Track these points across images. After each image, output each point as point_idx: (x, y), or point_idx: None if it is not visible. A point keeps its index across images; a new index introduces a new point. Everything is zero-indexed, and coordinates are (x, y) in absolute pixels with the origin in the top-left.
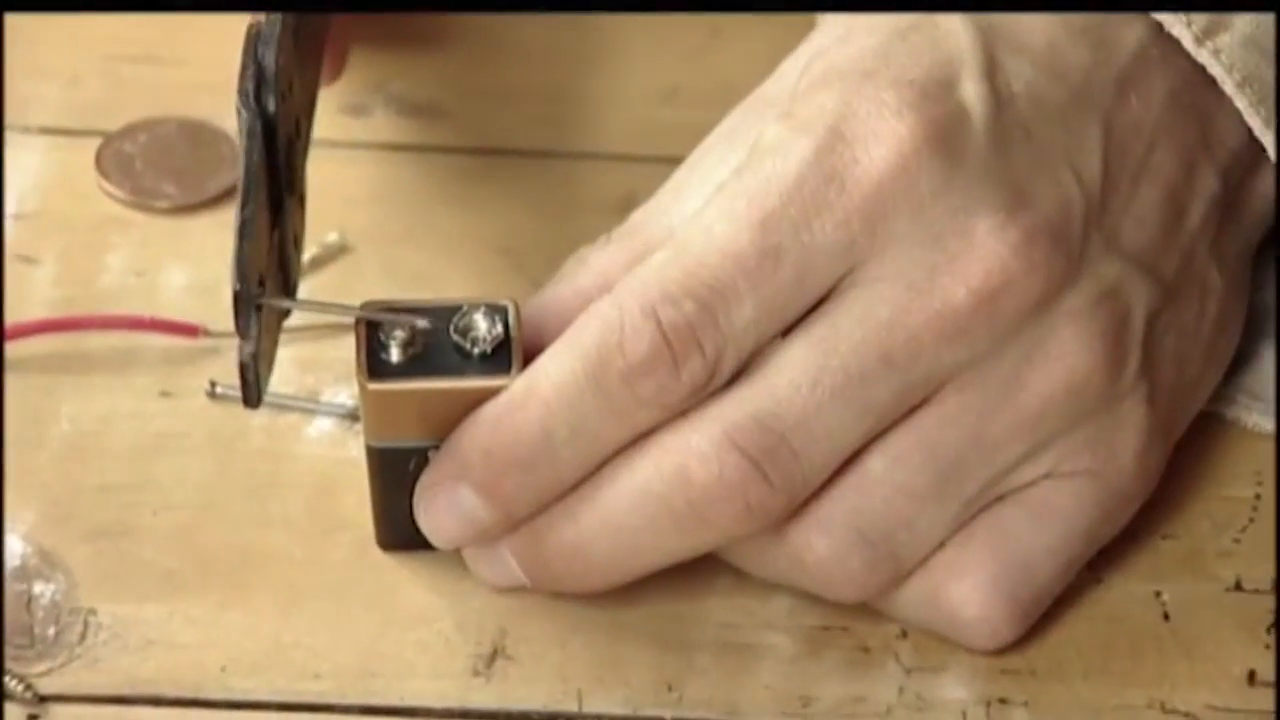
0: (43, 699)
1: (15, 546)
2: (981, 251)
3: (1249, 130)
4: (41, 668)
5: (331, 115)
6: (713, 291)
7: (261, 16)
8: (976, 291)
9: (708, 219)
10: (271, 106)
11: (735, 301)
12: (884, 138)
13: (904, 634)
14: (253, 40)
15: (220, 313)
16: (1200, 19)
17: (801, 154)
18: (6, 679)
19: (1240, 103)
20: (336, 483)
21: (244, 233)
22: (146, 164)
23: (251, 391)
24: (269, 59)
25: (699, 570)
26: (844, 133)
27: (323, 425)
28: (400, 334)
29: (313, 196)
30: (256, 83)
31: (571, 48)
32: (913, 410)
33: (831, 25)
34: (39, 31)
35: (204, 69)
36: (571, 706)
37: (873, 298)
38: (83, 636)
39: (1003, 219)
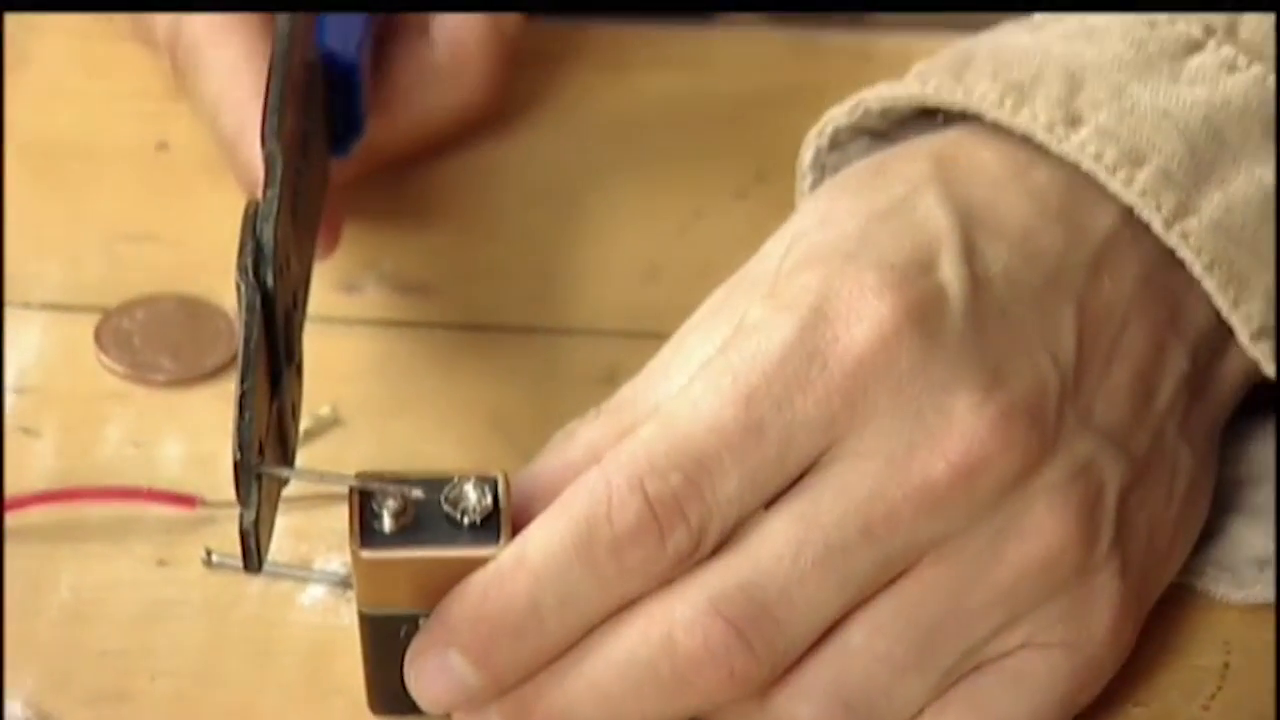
0: None
1: (15, 711)
2: (960, 428)
3: (1217, 311)
4: None
5: (325, 292)
6: (698, 465)
7: (259, 194)
8: (955, 467)
9: (694, 394)
10: (270, 280)
11: (720, 475)
12: (865, 317)
13: None
14: (251, 217)
15: (216, 483)
16: (1169, 203)
17: (785, 332)
18: None
19: (1208, 284)
20: (330, 649)
21: (244, 404)
22: (145, 339)
23: (252, 558)
24: (267, 235)
25: None
26: (826, 312)
27: (316, 593)
28: (392, 504)
29: (307, 370)
30: (255, 258)
31: (556, 227)
32: (892, 581)
33: (813, 207)
34: (42, 210)
35: (200, 249)
36: None
37: (853, 472)
38: None
39: (980, 397)
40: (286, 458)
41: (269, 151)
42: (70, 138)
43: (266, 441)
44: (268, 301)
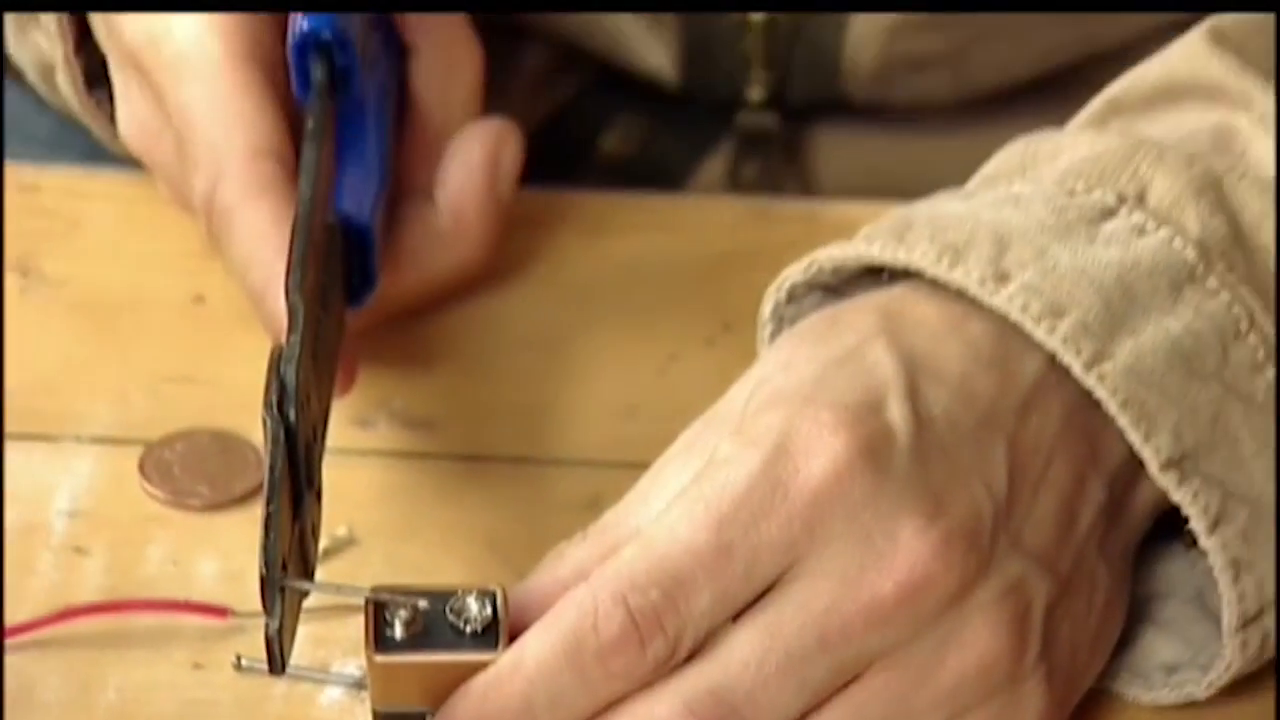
0: None
1: None
2: (905, 551)
3: (1130, 446)
4: None
5: (343, 427)
6: (675, 582)
7: (284, 340)
8: (901, 586)
9: (670, 519)
10: (292, 416)
11: (694, 590)
12: (822, 452)
13: None
14: (276, 360)
15: (245, 596)
16: (1087, 350)
17: (751, 465)
18: None
19: (1122, 422)
20: None
21: (270, 525)
22: (183, 469)
23: (276, 662)
24: (290, 375)
25: None
26: (788, 447)
27: (334, 693)
28: (403, 614)
29: (326, 496)
30: (279, 396)
31: (545, 369)
32: (846, 685)
33: (774, 355)
34: (94, 356)
35: (233, 389)
36: None
37: (811, 589)
38: None
39: (923, 523)
40: (307, 572)
41: (292, 303)
42: (119, 292)
43: (290, 558)
44: (290, 434)
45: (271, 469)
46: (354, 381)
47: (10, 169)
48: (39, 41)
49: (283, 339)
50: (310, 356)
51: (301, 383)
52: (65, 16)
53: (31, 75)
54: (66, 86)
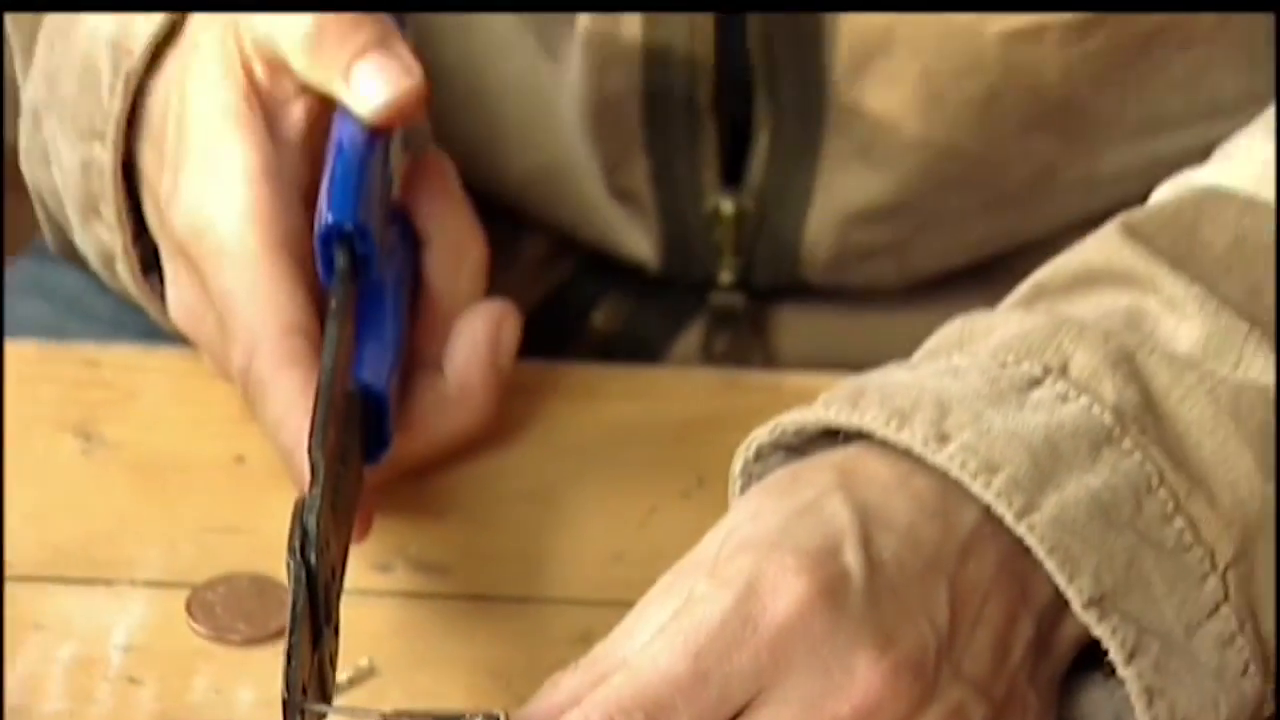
0: None
1: None
2: (860, 680)
3: (1056, 588)
4: None
5: (365, 571)
6: (657, 706)
7: (308, 493)
8: (857, 710)
9: (653, 651)
10: (313, 559)
11: (674, 714)
12: (786, 593)
13: None
14: (299, 509)
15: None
16: (1018, 503)
17: (724, 604)
18: None
19: (1049, 566)
20: None
21: (291, 654)
22: (224, 608)
23: None
24: (311, 524)
25: None
26: (757, 588)
27: None
28: None
29: (347, 632)
30: (301, 541)
31: (541, 519)
32: None
33: (744, 506)
34: (146, 510)
35: (269, 538)
36: None
37: (778, 714)
38: None
39: (876, 655)
40: (326, 697)
41: (314, 460)
42: (169, 453)
43: (309, 684)
44: (311, 576)
45: (294, 605)
46: (370, 529)
47: (75, 346)
48: (101, 234)
49: (307, 491)
50: (330, 507)
51: (321, 530)
52: (124, 210)
53: (94, 263)
54: (125, 273)
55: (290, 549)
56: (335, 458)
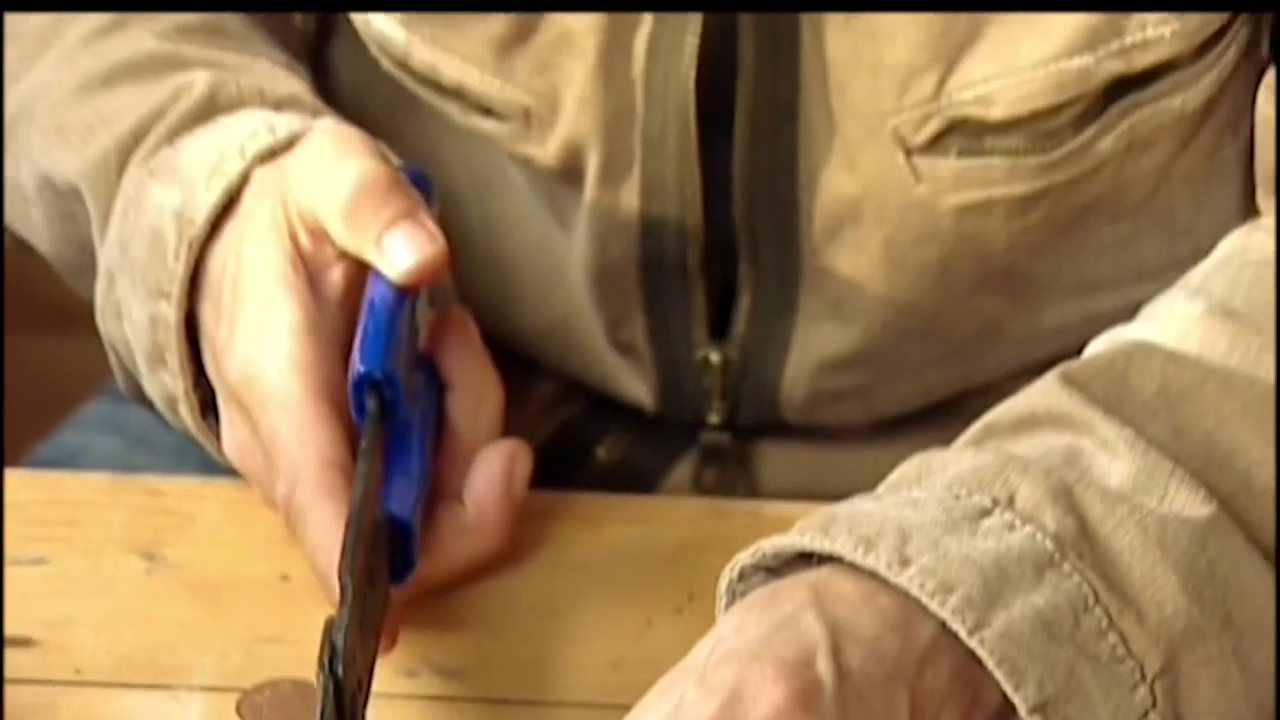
0: None
1: None
2: None
3: (1004, 694)
4: None
5: (394, 677)
6: None
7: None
8: None
9: None
10: (340, 672)
11: None
12: (766, 699)
13: None
14: (329, 627)
15: None
16: (970, 619)
17: (711, 709)
18: None
19: (998, 675)
20: None
21: None
22: (271, 710)
23: None
24: (339, 640)
25: None
26: (740, 694)
27: None
28: None
29: None
30: (330, 656)
31: (549, 628)
32: None
33: (729, 621)
34: (202, 622)
35: (310, 647)
36: None
37: None
38: None
39: None
40: None
41: (344, 583)
42: (223, 571)
43: None
44: (339, 687)
45: (322, 713)
46: (395, 641)
47: (142, 478)
48: (165, 380)
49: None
50: (357, 625)
51: (348, 646)
52: (186, 359)
53: (160, 405)
54: (186, 414)
55: (320, 663)
56: (363, 580)
